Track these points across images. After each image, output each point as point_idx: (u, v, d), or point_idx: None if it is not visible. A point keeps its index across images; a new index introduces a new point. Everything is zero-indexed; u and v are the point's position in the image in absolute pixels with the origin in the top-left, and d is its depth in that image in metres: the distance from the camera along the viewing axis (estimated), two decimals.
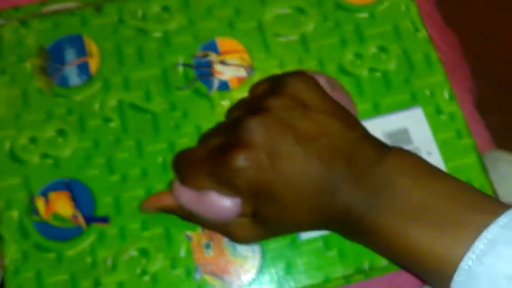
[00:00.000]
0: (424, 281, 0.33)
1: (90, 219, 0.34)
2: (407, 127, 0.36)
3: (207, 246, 0.34)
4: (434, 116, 0.36)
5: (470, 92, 0.42)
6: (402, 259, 0.27)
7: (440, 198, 0.27)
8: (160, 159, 0.35)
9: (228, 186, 0.29)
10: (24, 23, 0.38)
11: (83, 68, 0.37)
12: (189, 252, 0.33)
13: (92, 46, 0.38)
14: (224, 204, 0.29)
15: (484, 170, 0.36)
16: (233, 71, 0.37)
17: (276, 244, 0.34)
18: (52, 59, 0.37)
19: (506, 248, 0.24)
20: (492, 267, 0.24)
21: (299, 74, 0.30)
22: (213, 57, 0.38)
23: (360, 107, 0.37)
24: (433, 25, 0.43)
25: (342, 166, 0.28)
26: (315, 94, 0.30)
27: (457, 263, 0.25)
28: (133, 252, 0.33)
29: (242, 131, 0.28)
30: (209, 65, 0.37)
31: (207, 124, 0.36)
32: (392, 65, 0.38)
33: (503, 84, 0.94)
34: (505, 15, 0.99)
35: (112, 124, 0.36)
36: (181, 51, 0.38)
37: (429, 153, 0.36)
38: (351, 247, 0.34)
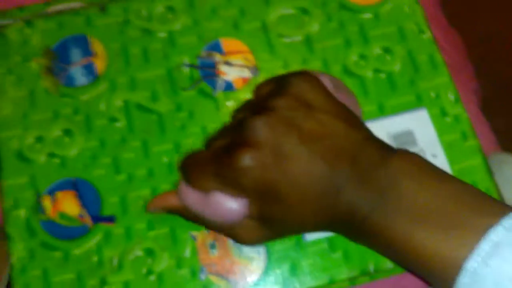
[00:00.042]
0: (428, 283, 0.33)
1: (97, 219, 0.34)
2: (412, 129, 0.36)
3: (212, 246, 0.34)
4: (439, 118, 0.37)
5: (474, 93, 0.42)
6: (407, 261, 0.28)
7: (445, 201, 0.27)
8: (165, 159, 0.35)
9: (233, 186, 0.29)
10: (28, 23, 0.38)
11: (89, 68, 0.37)
12: (194, 252, 0.33)
13: (97, 46, 0.38)
14: (230, 205, 0.29)
15: (490, 172, 0.36)
16: (237, 71, 0.37)
17: (281, 245, 0.34)
18: (58, 59, 0.37)
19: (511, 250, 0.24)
20: (498, 269, 0.24)
21: (304, 74, 0.31)
22: (217, 57, 0.38)
23: (365, 108, 0.37)
24: (437, 26, 0.43)
25: (346, 166, 0.28)
26: (319, 94, 0.30)
27: (462, 265, 0.25)
28: (139, 252, 0.33)
29: (247, 131, 0.29)
30: (213, 65, 0.37)
31: (213, 125, 0.36)
32: (396, 67, 0.38)
33: (508, 85, 0.93)
34: (509, 15, 0.99)
35: (118, 124, 0.36)
36: (186, 51, 0.38)
37: (434, 155, 0.36)
38: (356, 249, 0.34)
